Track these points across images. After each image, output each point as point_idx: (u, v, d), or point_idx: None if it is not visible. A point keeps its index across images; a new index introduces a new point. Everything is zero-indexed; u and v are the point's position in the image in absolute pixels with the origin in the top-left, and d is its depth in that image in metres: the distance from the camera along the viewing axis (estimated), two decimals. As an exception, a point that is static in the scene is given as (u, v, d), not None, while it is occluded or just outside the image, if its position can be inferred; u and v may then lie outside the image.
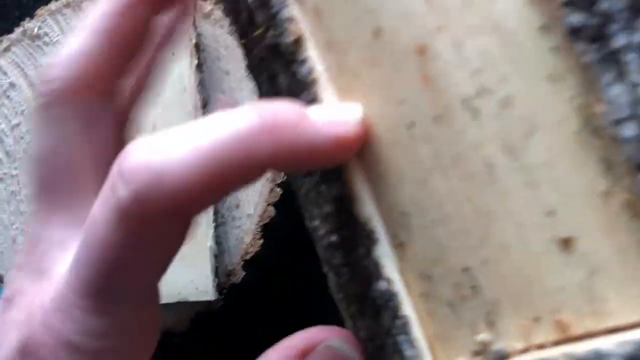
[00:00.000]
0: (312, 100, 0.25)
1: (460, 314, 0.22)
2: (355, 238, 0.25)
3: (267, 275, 0.43)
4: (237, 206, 0.44)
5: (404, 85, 0.22)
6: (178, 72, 0.43)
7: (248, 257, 0.44)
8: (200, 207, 0.20)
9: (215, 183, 0.19)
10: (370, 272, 0.25)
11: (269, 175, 0.43)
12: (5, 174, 0.47)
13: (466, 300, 0.22)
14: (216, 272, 0.42)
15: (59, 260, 0.23)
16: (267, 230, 0.44)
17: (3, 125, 0.47)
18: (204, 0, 0.45)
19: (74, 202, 0.24)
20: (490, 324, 0.22)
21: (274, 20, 0.26)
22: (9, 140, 0.47)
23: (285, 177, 0.43)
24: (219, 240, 0.44)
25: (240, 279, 0.44)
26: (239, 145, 0.19)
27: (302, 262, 0.38)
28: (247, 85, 0.44)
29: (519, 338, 0.21)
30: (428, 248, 0.23)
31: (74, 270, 0.21)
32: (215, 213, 0.43)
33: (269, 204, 0.43)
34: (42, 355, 0.21)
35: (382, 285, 0.24)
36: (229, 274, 0.43)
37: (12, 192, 0.47)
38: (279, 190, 0.43)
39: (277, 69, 0.26)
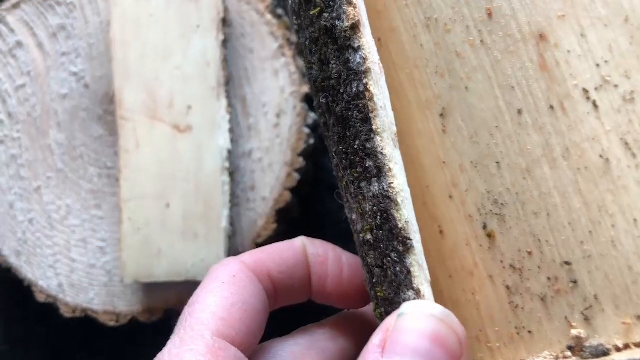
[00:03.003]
0: (362, 91, 0.24)
1: (552, 308, 0.22)
2: (390, 241, 0.24)
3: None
4: (253, 188, 0.43)
5: (517, 71, 0.22)
6: (202, 46, 0.41)
7: (260, 240, 0.42)
8: None
9: None
10: (400, 280, 0.24)
11: (287, 159, 0.42)
12: (6, 136, 0.44)
13: (562, 295, 0.22)
14: (228, 254, 0.41)
15: None
16: (282, 215, 0.42)
17: (7, 86, 0.44)
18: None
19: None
20: (587, 320, 0.21)
21: (332, 1, 0.25)
22: (12, 102, 0.44)
23: (306, 166, 0.42)
24: (231, 222, 0.42)
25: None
26: None
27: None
28: (270, 65, 0.42)
29: (618, 335, 0.21)
30: (523, 239, 0.22)
31: None
32: (232, 194, 0.42)
33: (285, 189, 0.42)
34: None
35: (410, 295, 0.24)
36: (239, 257, 0.42)
37: (13, 155, 0.44)
38: (296, 176, 0.42)
39: (330, 54, 0.25)
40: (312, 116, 0.43)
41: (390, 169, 0.23)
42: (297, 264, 0.31)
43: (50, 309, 0.44)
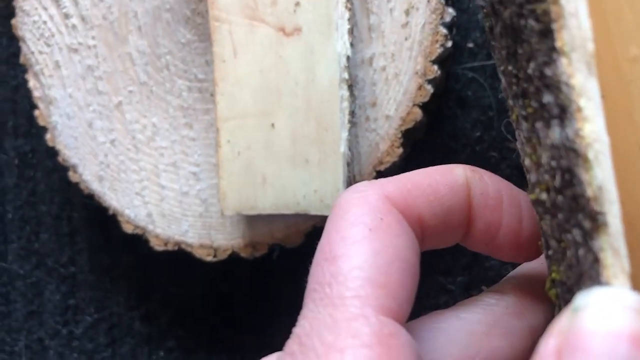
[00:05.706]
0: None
1: None
2: (572, 213, 0.17)
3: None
4: (374, 104, 0.35)
5: None
6: None
7: (382, 168, 0.35)
8: None
9: None
10: (582, 268, 0.17)
11: (418, 67, 0.34)
12: (80, 44, 0.38)
13: None
14: (348, 184, 0.34)
15: None
16: (408, 136, 0.35)
17: (79, -19, 0.37)
18: None
19: (357, 328, 0.20)
20: None
21: None
22: (86, 3, 0.37)
23: (440, 74, 0.34)
24: (349, 145, 0.35)
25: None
26: None
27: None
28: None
29: None
30: None
31: None
32: (351, 113, 0.35)
33: (415, 105, 0.35)
34: None
35: None
36: (357, 186, 0.35)
37: (89, 66, 0.38)
38: (429, 89, 0.34)
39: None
40: (450, 12, 0.34)
41: (580, 108, 0.16)
42: (455, 205, 0.23)
43: (138, 239, 0.40)
